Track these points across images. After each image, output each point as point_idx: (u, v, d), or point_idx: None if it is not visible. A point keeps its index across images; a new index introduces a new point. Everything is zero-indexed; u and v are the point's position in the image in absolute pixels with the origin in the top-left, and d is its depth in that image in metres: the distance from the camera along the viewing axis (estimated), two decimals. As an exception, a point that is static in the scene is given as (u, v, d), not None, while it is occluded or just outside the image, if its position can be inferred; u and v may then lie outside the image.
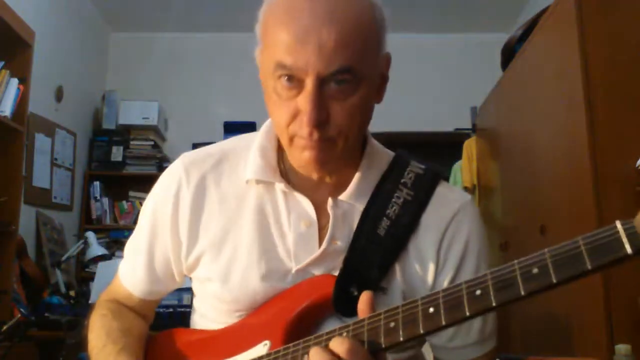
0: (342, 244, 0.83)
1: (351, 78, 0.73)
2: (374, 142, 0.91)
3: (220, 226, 0.86)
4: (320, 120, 0.73)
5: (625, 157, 1.66)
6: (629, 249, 0.53)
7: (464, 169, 3.42)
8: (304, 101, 0.73)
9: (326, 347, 0.66)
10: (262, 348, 0.80)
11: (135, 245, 0.95)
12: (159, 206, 0.90)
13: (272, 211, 0.85)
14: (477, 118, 3.36)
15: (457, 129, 3.98)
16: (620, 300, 1.62)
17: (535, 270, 0.58)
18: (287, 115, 0.75)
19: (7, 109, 2.56)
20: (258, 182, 0.86)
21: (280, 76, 0.74)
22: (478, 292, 0.60)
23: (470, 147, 3.39)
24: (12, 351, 2.19)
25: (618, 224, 0.55)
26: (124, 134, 4.02)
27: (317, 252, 0.82)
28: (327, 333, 0.70)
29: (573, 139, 1.86)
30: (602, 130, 1.72)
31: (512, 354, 2.06)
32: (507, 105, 2.73)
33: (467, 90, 3.87)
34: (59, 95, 3.51)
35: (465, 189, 3.39)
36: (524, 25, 2.48)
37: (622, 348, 1.33)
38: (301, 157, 0.77)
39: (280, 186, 0.85)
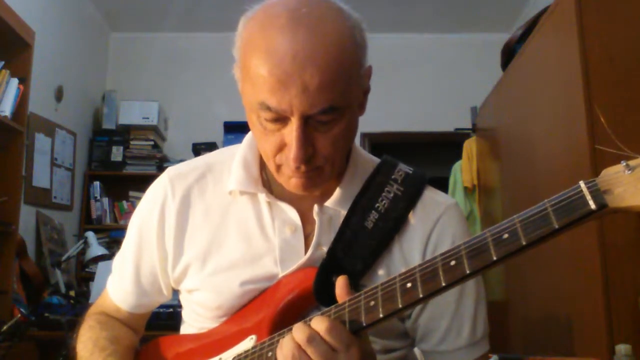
0: (327, 249, 0.83)
1: (335, 115, 0.74)
2: (359, 149, 0.92)
3: (206, 237, 0.87)
4: (307, 157, 0.74)
5: (625, 157, 1.66)
6: (592, 205, 0.56)
7: (464, 169, 3.41)
8: (289, 138, 0.73)
9: (308, 324, 0.69)
10: (248, 342, 0.81)
11: (122, 259, 0.96)
12: (145, 220, 0.92)
13: (257, 220, 0.86)
14: (477, 118, 3.36)
15: (457, 129, 3.97)
16: (620, 300, 1.62)
17: (505, 236, 0.60)
18: (273, 146, 0.76)
19: (7, 109, 2.56)
20: (241, 193, 0.87)
21: (265, 115, 0.74)
22: (452, 262, 0.63)
23: (470, 147, 3.38)
24: (12, 351, 2.20)
25: (581, 184, 0.58)
26: (124, 134, 4.02)
27: (304, 258, 0.83)
28: (310, 319, 0.72)
29: (573, 139, 1.85)
30: (602, 130, 1.72)
31: (512, 354, 2.06)
32: (507, 105, 2.73)
33: (467, 90, 3.86)
34: (59, 95, 3.51)
35: (465, 189, 3.39)
36: (524, 25, 2.47)
37: (622, 348, 1.33)
38: (289, 183, 0.79)
39: (262, 196, 0.86)
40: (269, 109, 0.72)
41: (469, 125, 3.48)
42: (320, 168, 0.78)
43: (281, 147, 0.76)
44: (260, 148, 0.81)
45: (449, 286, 0.63)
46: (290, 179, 0.78)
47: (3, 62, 2.59)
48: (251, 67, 0.73)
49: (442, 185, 3.15)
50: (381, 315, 0.66)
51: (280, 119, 0.74)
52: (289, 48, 0.70)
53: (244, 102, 0.80)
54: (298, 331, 0.68)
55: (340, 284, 0.72)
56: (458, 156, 3.53)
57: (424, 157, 4.23)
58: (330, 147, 0.76)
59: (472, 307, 0.85)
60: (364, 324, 0.68)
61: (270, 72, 0.70)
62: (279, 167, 0.79)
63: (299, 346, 0.67)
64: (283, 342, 0.69)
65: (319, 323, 0.67)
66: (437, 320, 0.84)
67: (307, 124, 0.73)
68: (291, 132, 0.73)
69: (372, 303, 0.67)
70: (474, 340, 0.84)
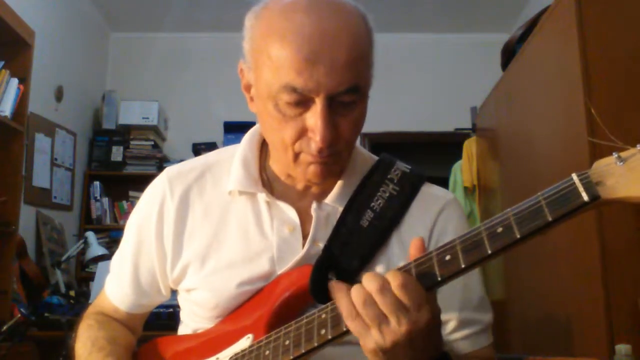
0: (324, 245, 0.83)
1: (356, 97, 0.75)
2: (358, 146, 0.92)
3: (205, 237, 0.87)
4: (331, 139, 0.74)
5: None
6: (585, 197, 0.57)
7: (464, 169, 3.41)
8: (314, 121, 0.73)
9: (381, 275, 0.65)
10: (245, 341, 0.81)
11: (121, 259, 0.96)
12: (144, 220, 0.92)
13: (255, 220, 0.86)
14: (477, 118, 3.36)
15: (457, 129, 3.98)
16: (620, 300, 1.62)
17: (499, 229, 0.61)
18: (294, 133, 0.76)
19: (7, 109, 2.56)
20: (240, 193, 0.87)
21: (288, 98, 0.73)
22: (447, 257, 0.63)
23: (470, 147, 3.39)
24: (12, 351, 2.20)
25: (574, 176, 0.59)
26: (124, 134, 4.02)
27: (300, 254, 0.83)
28: (307, 316, 0.72)
29: (573, 139, 1.85)
30: (602, 130, 1.72)
31: (512, 354, 2.06)
32: (507, 105, 2.73)
33: (467, 90, 3.86)
34: (59, 95, 3.51)
35: (465, 189, 3.39)
36: (524, 25, 2.47)
37: (622, 348, 1.33)
38: (307, 172, 0.79)
39: (262, 196, 0.86)
40: (294, 90, 0.72)
41: (469, 125, 3.48)
42: (339, 153, 0.78)
43: (302, 133, 0.75)
44: (275, 138, 0.79)
45: (445, 281, 0.64)
46: (309, 166, 0.78)
47: (3, 62, 2.59)
48: (273, 51, 0.73)
49: (442, 185, 3.14)
50: None
51: (303, 102, 0.73)
52: (316, 27, 0.71)
53: (259, 92, 0.78)
54: (370, 280, 0.64)
55: (415, 242, 0.68)
56: (458, 156, 3.53)
57: (424, 157, 4.23)
58: (350, 131, 0.77)
59: (479, 289, 0.86)
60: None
61: (298, 51, 0.71)
62: (297, 156, 0.78)
63: (369, 294, 0.64)
64: (353, 289, 0.65)
65: (393, 276, 0.64)
66: (445, 312, 0.83)
67: (330, 107, 0.74)
68: (315, 114, 0.73)
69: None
70: (483, 327, 0.86)
